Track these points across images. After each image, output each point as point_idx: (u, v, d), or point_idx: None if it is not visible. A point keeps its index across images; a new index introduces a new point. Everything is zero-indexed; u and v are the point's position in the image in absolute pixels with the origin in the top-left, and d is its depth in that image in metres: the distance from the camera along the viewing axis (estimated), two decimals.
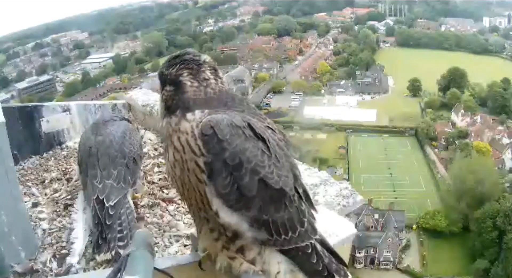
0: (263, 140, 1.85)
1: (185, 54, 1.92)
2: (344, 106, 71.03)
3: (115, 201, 3.20)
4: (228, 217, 1.82)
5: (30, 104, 4.78)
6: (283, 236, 1.91)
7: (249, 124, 1.83)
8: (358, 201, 3.35)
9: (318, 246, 2.10)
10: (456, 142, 56.50)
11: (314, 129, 63.25)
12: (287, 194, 1.89)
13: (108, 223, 3.07)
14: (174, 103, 1.87)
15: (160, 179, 3.92)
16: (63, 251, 3.01)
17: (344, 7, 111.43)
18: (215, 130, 1.76)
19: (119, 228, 3.07)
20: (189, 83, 1.87)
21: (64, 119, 4.78)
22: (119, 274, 1.82)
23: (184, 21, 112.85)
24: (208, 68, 1.90)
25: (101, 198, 3.21)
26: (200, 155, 1.78)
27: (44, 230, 3.24)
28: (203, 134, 1.77)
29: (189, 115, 1.83)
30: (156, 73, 2.00)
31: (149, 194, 3.65)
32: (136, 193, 3.58)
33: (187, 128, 1.82)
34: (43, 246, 3.08)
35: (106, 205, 3.17)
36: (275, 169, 1.84)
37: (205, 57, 1.93)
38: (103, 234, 3.02)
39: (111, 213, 3.13)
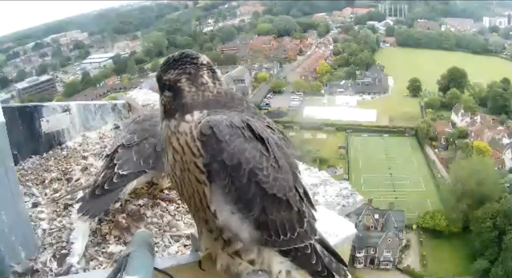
0: (262, 140, 1.85)
1: (182, 57, 1.88)
2: (344, 106, 71.03)
3: (124, 172, 3.09)
4: (226, 218, 1.82)
5: (30, 104, 4.76)
6: (282, 237, 1.92)
7: (248, 125, 1.83)
8: (358, 201, 3.35)
9: (318, 246, 2.10)
10: (456, 141, 56.50)
11: (314, 129, 63.25)
12: (284, 196, 1.89)
13: (106, 187, 2.99)
14: (173, 108, 1.87)
15: None
16: (63, 251, 3.00)
17: (344, 7, 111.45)
18: (214, 130, 1.75)
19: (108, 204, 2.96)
20: (187, 89, 1.85)
21: (64, 119, 4.78)
22: (119, 274, 1.83)
23: (184, 21, 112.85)
24: (206, 71, 1.88)
25: (114, 161, 3.12)
26: (199, 156, 1.78)
27: (44, 230, 3.24)
28: (202, 135, 1.77)
29: (187, 117, 1.83)
30: (156, 73, 1.99)
31: (149, 194, 3.65)
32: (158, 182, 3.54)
33: (186, 129, 1.81)
34: (43, 246, 3.07)
35: (115, 170, 3.08)
36: (273, 171, 1.84)
37: (203, 58, 1.90)
38: (94, 196, 2.93)
39: (115, 180, 3.03)
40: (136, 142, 3.24)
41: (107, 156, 3.31)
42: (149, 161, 3.19)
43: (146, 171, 3.20)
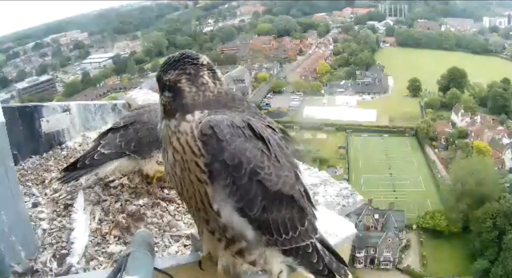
0: (263, 140, 1.85)
1: (183, 57, 1.87)
2: (344, 106, 71.01)
3: (105, 151, 3.23)
4: (229, 217, 1.82)
5: (30, 104, 4.77)
6: (283, 236, 1.92)
7: (249, 124, 1.83)
8: (358, 201, 3.35)
9: (319, 245, 2.10)
10: (456, 141, 56.47)
11: (314, 129, 63.20)
12: (286, 194, 1.89)
13: (86, 162, 3.21)
14: (173, 108, 1.86)
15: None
16: (63, 251, 3.00)
17: (344, 7, 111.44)
18: (215, 130, 1.75)
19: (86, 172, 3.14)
20: (187, 89, 1.85)
21: (64, 119, 4.78)
22: (119, 274, 1.82)
23: (184, 21, 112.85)
24: (206, 71, 1.88)
25: (100, 141, 3.30)
26: (200, 156, 1.77)
27: (44, 230, 3.24)
28: (203, 135, 1.77)
29: (188, 117, 1.83)
30: (156, 73, 1.98)
31: (149, 194, 3.65)
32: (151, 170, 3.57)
33: (186, 129, 1.81)
34: (43, 246, 3.07)
35: (98, 149, 3.26)
36: (275, 170, 1.84)
37: (203, 58, 1.90)
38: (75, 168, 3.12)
39: (96, 157, 3.21)
40: (122, 126, 3.43)
41: (98, 137, 3.53)
42: (130, 144, 3.35)
43: (128, 153, 3.34)
